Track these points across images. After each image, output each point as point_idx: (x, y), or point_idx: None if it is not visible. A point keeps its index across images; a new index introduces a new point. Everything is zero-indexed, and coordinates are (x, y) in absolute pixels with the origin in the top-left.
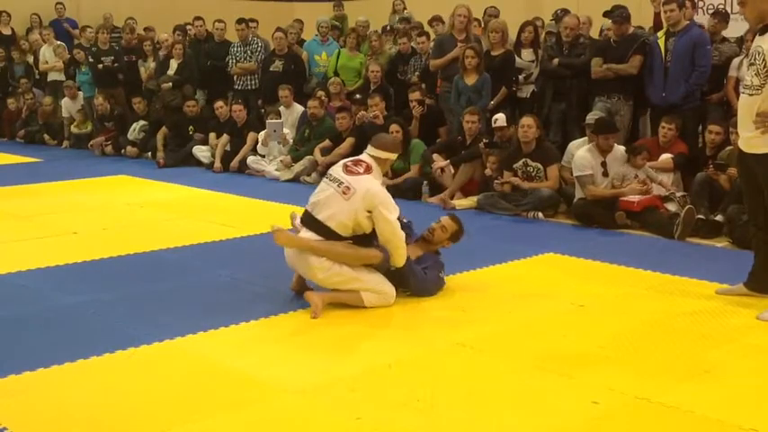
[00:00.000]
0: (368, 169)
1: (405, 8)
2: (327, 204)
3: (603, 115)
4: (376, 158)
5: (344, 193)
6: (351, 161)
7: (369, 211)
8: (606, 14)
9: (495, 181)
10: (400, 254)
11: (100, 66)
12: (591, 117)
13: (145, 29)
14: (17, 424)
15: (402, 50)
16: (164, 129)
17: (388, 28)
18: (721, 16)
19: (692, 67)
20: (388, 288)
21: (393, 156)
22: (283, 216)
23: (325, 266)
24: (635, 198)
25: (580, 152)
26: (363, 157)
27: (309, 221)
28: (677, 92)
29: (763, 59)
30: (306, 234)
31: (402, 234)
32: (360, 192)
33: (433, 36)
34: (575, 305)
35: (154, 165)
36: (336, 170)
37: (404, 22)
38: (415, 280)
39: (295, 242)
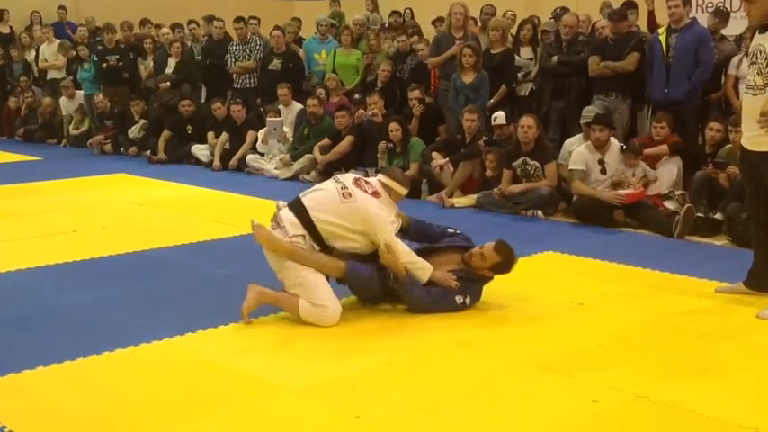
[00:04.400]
0: (375, 194)
1: (374, 9)
2: (321, 199)
3: (599, 111)
4: (385, 186)
5: (343, 196)
6: (363, 179)
7: (363, 233)
8: (610, 16)
9: (495, 190)
10: (410, 271)
11: (104, 65)
12: (586, 114)
13: (156, 25)
14: (17, 422)
15: (401, 49)
16: (165, 132)
17: (386, 25)
18: (722, 15)
19: (695, 63)
20: (331, 307)
21: (402, 190)
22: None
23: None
24: (623, 192)
25: (579, 148)
26: (373, 181)
27: (295, 204)
28: (680, 88)
29: (765, 58)
30: (286, 215)
31: (403, 251)
32: (359, 205)
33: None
34: (574, 303)
35: (155, 164)
36: (345, 177)
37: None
38: (407, 295)
39: (274, 243)
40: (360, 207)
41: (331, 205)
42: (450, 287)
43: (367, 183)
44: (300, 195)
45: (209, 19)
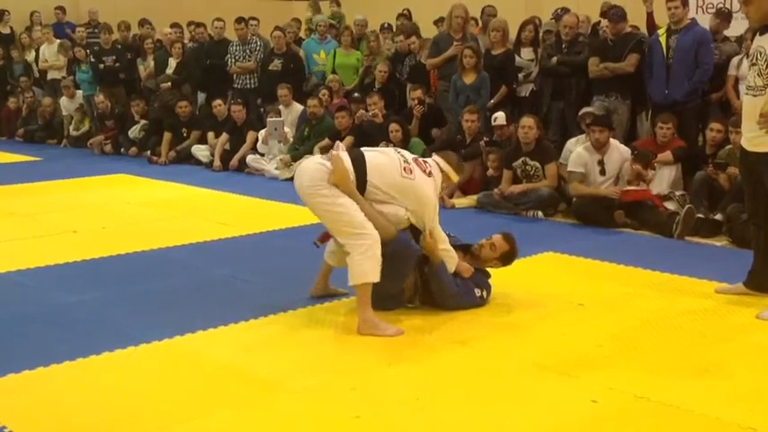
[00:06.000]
0: (431, 174)
1: (317, 11)
2: (382, 164)
3: (596, 110)
4: (440, 169)
5: (404, 170)
6: (421, 159)
7: (406, 210)
8: (603, 15)
9: (495, 190)
10: (445, 260)
11: (101, 66)
12: (585, 110)
13: (152, 27)
14: (16, 423)
15: (399, 49)
16: (166, 135)
17: (387, 26)
18: (724, 16)
19: (696, 64)
20: (371, 233)
21: (455, 176)
22: (282, 214)
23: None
24: (623, 188)
25: (578, 149)
26: (429, 161)
27: (358, 156)
28: (681, 89)
29: (766, 60)
30: (346, 158)
31: (443, 238)
32: (417, 184)
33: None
34: (574, 304)
35: (154, 164)
36: (405, 151)
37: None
38: (439, 282)
39: (345, 176)
40: (417, 186)
41: (389, 175)
42: (468, 275)
43: (424, 162)
44: (363, 151)
45: (197, 25)
